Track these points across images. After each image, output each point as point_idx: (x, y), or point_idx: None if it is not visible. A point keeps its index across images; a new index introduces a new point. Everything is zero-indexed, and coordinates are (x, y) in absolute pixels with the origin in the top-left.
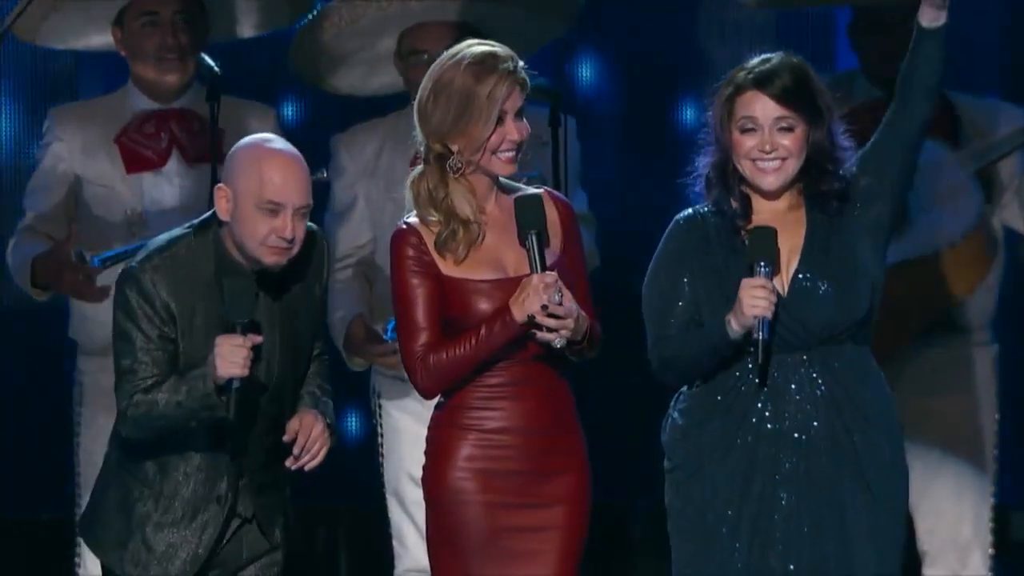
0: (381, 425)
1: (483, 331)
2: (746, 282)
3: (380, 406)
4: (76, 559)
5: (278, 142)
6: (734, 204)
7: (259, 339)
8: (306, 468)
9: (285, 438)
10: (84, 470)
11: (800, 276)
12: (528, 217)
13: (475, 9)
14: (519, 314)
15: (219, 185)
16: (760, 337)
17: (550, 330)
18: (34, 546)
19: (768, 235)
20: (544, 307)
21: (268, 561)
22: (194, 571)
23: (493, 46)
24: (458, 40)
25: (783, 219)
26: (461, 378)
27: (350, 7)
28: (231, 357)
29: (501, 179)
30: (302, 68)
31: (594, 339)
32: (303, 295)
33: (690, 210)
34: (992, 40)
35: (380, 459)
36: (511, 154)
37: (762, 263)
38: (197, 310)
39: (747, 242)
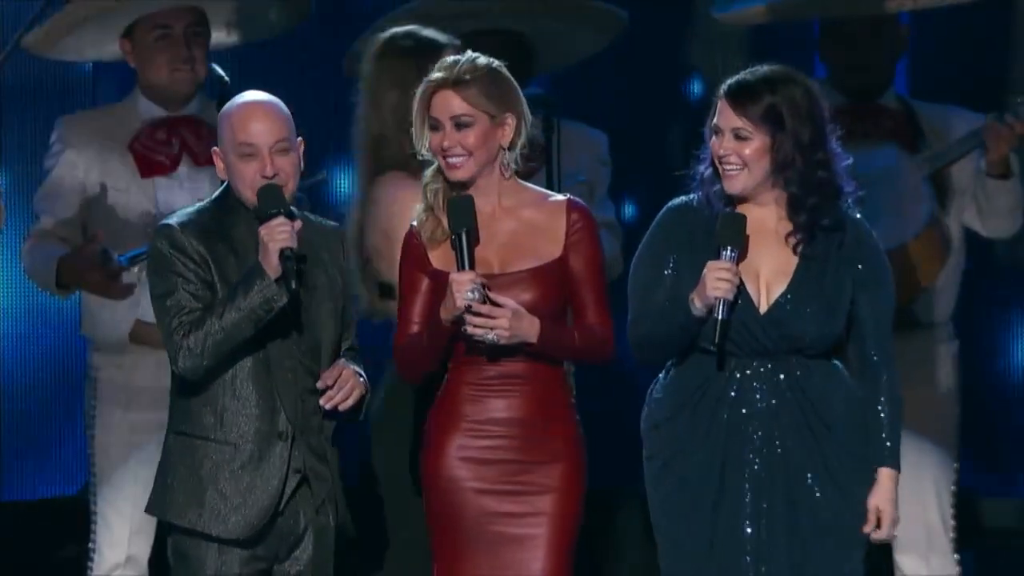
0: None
1: (428, 329)
2: (712, 264)
3: None
4: (91, 544)
5: (249, 94)
6: (722, 204)
7: (299, 224)
8: (340, 407)
9: (318, 384)
10: (99, 461)
11: (785, 300)
12: (456, 217)
13: (520, 20)
14: (442, 312)
15: (213, 148)
16: (719, 317)
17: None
18: (51, 530)
19: (737, 221)
20: (468, 306)
21: (323, 540)
22: (267, 518)
23: (454, 58)
24: (502, 51)
25: (773, 229)
26: (427, 368)
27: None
28: (277, 233)
29: (520, 182)
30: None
31: (575, 346)
32: (325, 280)
33: (682, 199)
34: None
35: None
36: (452, 159)
37: (729, 247)
38: (229, 261)
39: (717, 226)
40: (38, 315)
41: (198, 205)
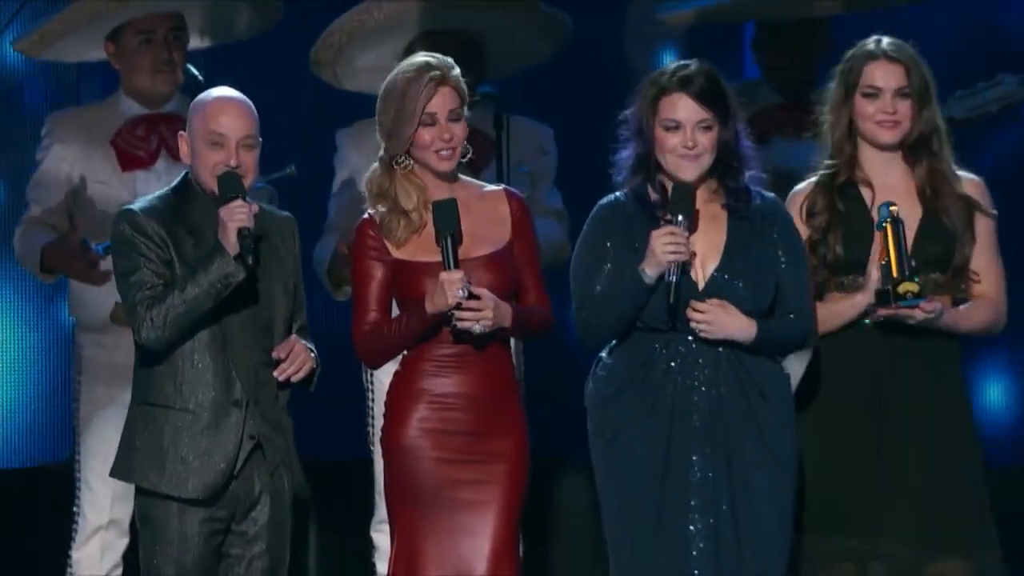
0: (372, 391)
1: (404, 319)
2: (655, 233)
3: (372, 372)
4: (75, 509)
5: (224, 89)
6: (653, 195)
7: (255, 207)
8: (292, 379)
9: (273, 354)
10: (83, 431)
11: (718, 275)
12: (442, 220)
13: (477, 23)
14: (429, 307)
15: (180, 133)
16: (674, 280)
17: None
18: (37, 496)
19: (687, 190)
20: (458, 302)
21: (278, 504)
22: (223, 480)
23: (431, 57)
24: (460, 51)
25: (702, 210)
26: (396, 354)
27: (360, 13)
28: (236, 214)
29: (460, 175)
30: (322, 71)
31: (534, 324)
32: (277, 263)
33: (611, 197)
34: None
35: (370, 419)
36: (446, 152)
37: (680, 215)
38: (187, 242)
39: (670, 196)
40: (31, 297)
41: (158, 192)
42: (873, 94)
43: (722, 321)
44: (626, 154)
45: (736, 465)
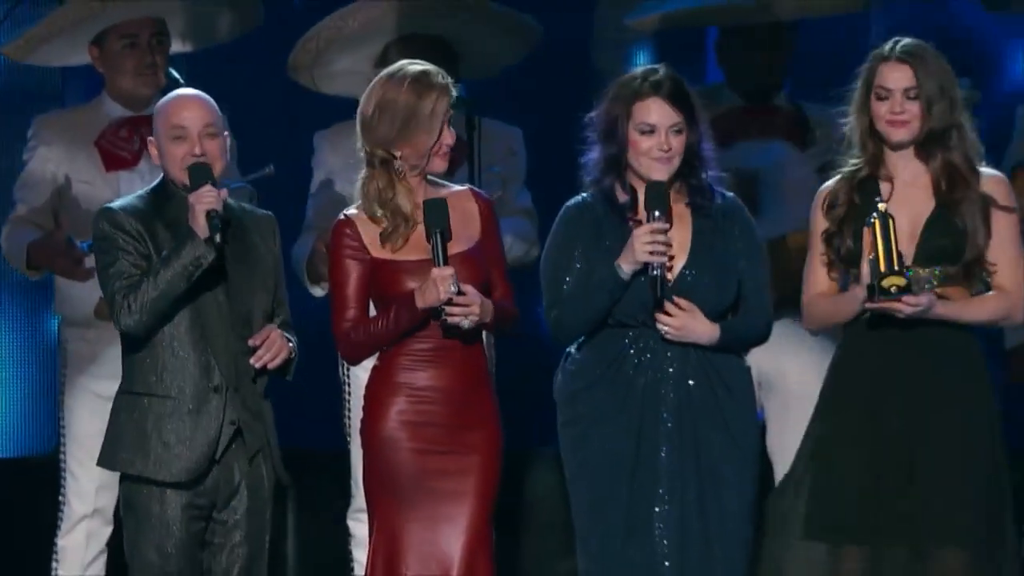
0: (349, 384)
1: (392, 314)
2: (636, 231)
3: (348, 367)
4: (61, 498)
5: (181, 89)
6: (623, 196)
7: (224, 192)
8: (269, 366)
9: (250, 341)
10: (68, 422)
11: (686, 272)
12: (433, 218)
13: (449, 28)
14: (420, 302)
15: (149, 138)
16: (657, 273)
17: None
18: (24, 485)
19: (660, 188)
20: (449, 298)
21: (257, 493)
22: (205, 463)
23: (426, 65)
24: (433, 54)
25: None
26: (379, 349)
27: (337, 19)
28: (204, 198)
29: (430, 176)
30: (299, 76)
31: (507, 318)
32: (257, 259)
33: (579, 197)
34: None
35: (346, 411)
36: (446, 153)
37: (656, 211)
38: (164, 236)
39: (645, 195)
40: (18, 292)
41: (138, 192)
42: (884, 95)
43: (690, 326)
44: (594, 156)
45: (705, 459)
